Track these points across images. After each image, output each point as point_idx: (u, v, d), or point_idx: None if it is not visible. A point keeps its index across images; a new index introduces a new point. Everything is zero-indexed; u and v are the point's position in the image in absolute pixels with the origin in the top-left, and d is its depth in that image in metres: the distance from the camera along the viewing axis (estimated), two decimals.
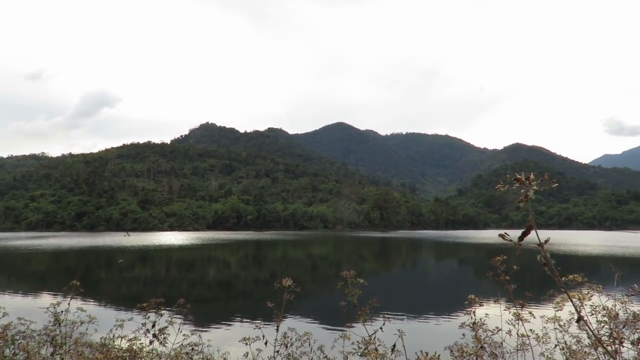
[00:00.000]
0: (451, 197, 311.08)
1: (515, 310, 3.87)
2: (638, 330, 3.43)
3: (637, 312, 3.66)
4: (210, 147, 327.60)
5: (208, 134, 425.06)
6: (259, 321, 4.86)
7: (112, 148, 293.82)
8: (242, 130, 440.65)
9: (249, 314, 23.55)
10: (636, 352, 3.23)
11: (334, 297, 26.31)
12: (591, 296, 2.79)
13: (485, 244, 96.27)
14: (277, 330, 4.07)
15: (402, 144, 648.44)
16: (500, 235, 2.00)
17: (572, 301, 2.14)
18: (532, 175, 1.75)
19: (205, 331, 19.37)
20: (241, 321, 22.24)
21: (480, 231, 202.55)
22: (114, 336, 5.74)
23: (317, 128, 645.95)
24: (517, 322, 3.91)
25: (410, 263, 60.94)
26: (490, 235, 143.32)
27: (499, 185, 1.83)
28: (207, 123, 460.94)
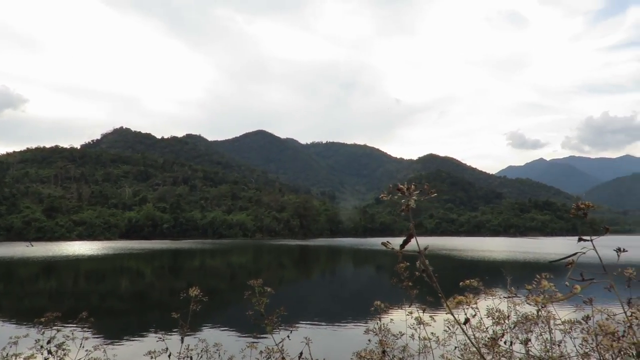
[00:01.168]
0: (369, 206, 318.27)
1: (417, 315, 4.03)
2: (528, 331, 3.70)
3: (529, 314, 3.93)
4: (124, 152, 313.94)
5: (122, 139, 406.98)
6: (165, 333, 4.70)
7: (14, 152, 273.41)
8: (158, 136, 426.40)
9: (163, 326, 22.71)
10: (525, 351, 3.47)
11: (250, 306, 25.97)
12: (477, 299, 2.96)
13: (403, 251, 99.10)
14: (182, 341, 3.96)
15: (322, 153, 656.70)
16: (383, 244, 2.07)
17: (447, 306, 2.26)
18: (412, 186, 1.84)
19: (112, 346, 18.48)
20: (155, 333, 21.41)
21: (397, 238, 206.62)
22: (7, 355, 5.32)
23: (238, 135, 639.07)
24: (419, 326, 4.08)
25: (329, 270, 61.65)
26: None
27: (382, 195, 1.91)
28: (122, 128, 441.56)
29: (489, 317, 3.98)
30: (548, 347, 3.41)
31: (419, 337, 4.17)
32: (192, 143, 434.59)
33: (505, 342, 3.53)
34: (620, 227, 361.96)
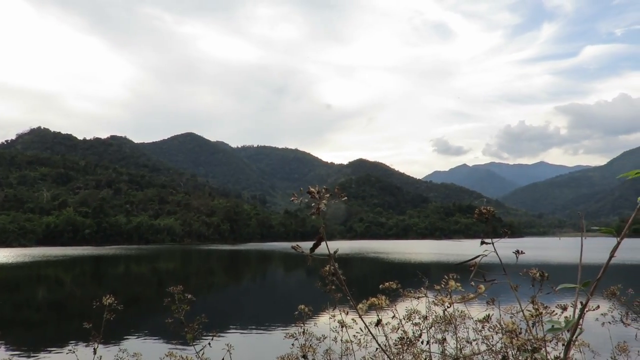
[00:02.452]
0: (300, 210, 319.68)
1: (340, 318, 4.09)
2: (444, 331, 3.86)
3: (448, 315, 4.09)
4: (42, 154, 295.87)
5: (40, 139, 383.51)
6: (83, 344, 4.48)
7: None
8: (80, 137, 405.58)
9: (81, 337, 21.65)
10: (440, 351, 3.62)
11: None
12: (388, 302, 3.06)
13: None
14: (95, 352, 3.79)
15: (253, 157, 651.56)
16: (293, 247, 2.10)
17: (357, 308, 2.32)
18: (322, 189, 1.87)
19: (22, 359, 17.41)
20: (75, 344, 20.34)
21: (328, 242, 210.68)
22: None
23: (166, 137, 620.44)
24: (342, 329, 4.14)
25: (259, 275, 61.20)
26: (336, 246, 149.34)
27: (292, 198, 1.93)
28: (39, 128, 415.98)
29: (408, 318, 4.10)
30: (461, 346, 3.57)
31: (341, 340, 4.23)
32: (116, 145, 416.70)
33: (422, 342, 3.66)
34: (535, 229, 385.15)
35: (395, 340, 3.29)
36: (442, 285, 2.51)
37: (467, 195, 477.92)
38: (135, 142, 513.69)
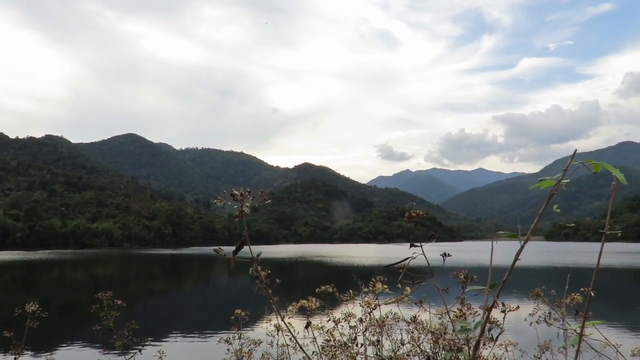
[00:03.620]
0: (245, 214, 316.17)
1: (277, 322, 4.07)
2: (379, 333, 3.91)
3: (381, 318, 4.15)
4: None
5: None
6: (7, 354, 4.24)
7: None
8: (12, 136, 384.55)
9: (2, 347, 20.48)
10: (374, 352, 3.67)
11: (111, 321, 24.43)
12: (317, 304, 3.08)
13: (275, 259, 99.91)
14: None
15: (197, 159, 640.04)
16: (215, 250, 2.08)
17: (276, 309, 2.32)
18: (246, 192, 1.86)
19: None
20: (4, 355, 19.23)
21: (272, 246, 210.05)
22: None
23: (106, 138, 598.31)
24: (278, 333, 4.11)
25: (202, 280, 60.10)
26: (280, 250, 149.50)
27: (216, 201, 1.91)
28: None
29: (345, 321, 4.13)
30: (396, 348, 3.63)
31: (277, 344, 4.20)
32: (52, 145, 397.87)
33: (357, 345, 3.69)
34: (474, 233, 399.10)
35: (324, 343, 3.31)
36: (370, 288, 2.55)
37: (410, 200, 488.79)
38: (73, 142, 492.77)
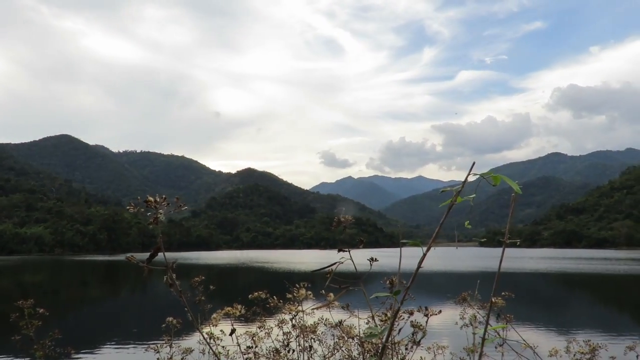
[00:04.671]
0: (185, 219, 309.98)
1: (210, 330, 4.02)
2: (311, 338, 3.95)
3: (314, 323, 4.19)
4: None
5: None
6: None
7: None
8: None
9: None
10: (306, 358, 3.70)
11: (41, 330, 23.30)
12: (242, 310, 3.08)
13: (216, 265, 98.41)
14: None
15: (136, 163, 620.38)
16: (127, 258, 2.04)
17: (192, 317, 2.31)
18: (160, 198, 1.84)
19: None
20: None
21: (213, 252, 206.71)
22: None
23: (37, 139, 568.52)
24: (212, 340, 4.06)
25: (139, 287, 58.21)
26: (222, 256, 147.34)
27: (129, 207, 1.88)
28: None
29: (278, 327, 4.14)
30: (326, 353, 3.68)
31: (209, 352, 4.15)
32: None
33: (290, 351, 3.71)
34: (413, 239, 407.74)
35: (245, 350, 3.30)
36: (294, 294, 2.57)
37: (352, 207, 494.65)
38: (0, 142, 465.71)
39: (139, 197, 1.87)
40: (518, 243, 2.16)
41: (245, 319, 4.17)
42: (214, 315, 2.34)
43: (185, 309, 2.21)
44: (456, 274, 64.73)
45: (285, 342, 3.78)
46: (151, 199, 1.83)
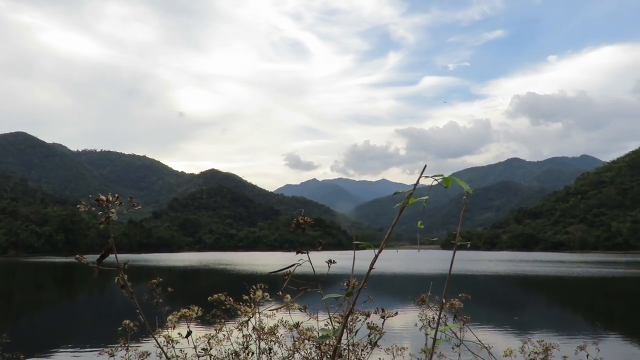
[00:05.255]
0: (146, 220, 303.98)
1: (167, 333, 3.95)
2: (272, 341, 3.94)
3: (274, 325, 4.17)
4: None
5: None
6: None
7: None
8: None
9: None
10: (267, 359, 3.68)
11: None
12: (198, 312, 3.04)
13: (177, 267, 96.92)
14: None
15: (95, 162, 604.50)
16: (77, 258, 1.99)
17: (144, 320, 2.28)
18: (113, 197, 1.80)
19: None
20: None
21: (175, 254, 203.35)
22: None
23: None
24: (169, 344, 3.99)
25: (97, 290, 56.72)
26: (183, 258, 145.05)
27: (80, 206, 1.83)
28: None
29: (239, 329, 4.10)
30: (286, 355, 3.67)
31: (166, 356, 4.07)
32: None
33: (250, 353, 3.68)
34: (377, 242, 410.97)
35: (200, 352, 3.27)
36: (250, 296, 2.56)
37: (316, 209, 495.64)
38: None
39: (90, 196, 1.81)
40: (468, 245, 2.20)
41: (206, 322, 4.12)
42: (170, 317, 2.29)
43: (137, 310, 2.15)
44: (418, 276, 65.62)
45: (244, 344, 3.75)
46: (103, 197, 1.78)
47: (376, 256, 1.77)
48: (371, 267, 1.77)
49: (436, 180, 1.68)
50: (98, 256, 1.99)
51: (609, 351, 20.21)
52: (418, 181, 1.73)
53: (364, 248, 2.04)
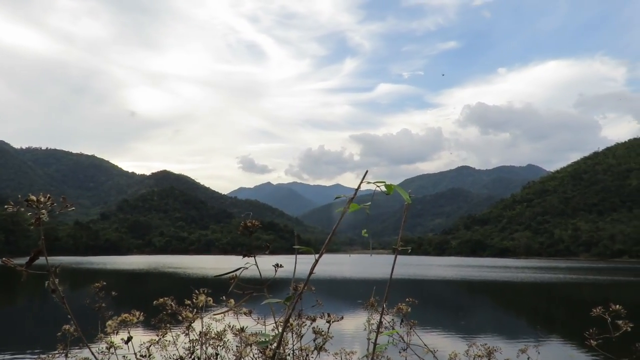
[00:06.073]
0: (93, 221, 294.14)
1: (110, 339, 3.81)
2: (218, 346, 3.87)
3: (221, 330, 4.10)
4: None
5: None
6: None
7: None
8: None
9: None
10: None
11: None
12: (140, 317, 2.97)
13: (125, 270, 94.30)
14: None
15: (40, 160, 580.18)
16: (3, 261, 1.90)
17: (75, 325, 2.21)
18: (44, 197, 1.72)
19: None
20: None
21: (123, 257, 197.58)
22: None
23: None
24: (112, 349, 3.85)
25: (38, 294, 54.35)
26: (132, 261, 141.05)
27: (7, 206, 1.74)
28: None
29: (185, 334, 4.00)
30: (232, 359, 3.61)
31: None
32: None
33: (195, 359, 3.60)
34: (329, 246, 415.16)
35: (139, 358, 3.17)
36: (193, 300, 2.50)
37: (270, 212, 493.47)
38: None
39: (20, 196, 1.74)
40: (409, 251, 2.25)
41: (153, 327, 4.00)
42: (109, 322, 2.20)
43: (69, 316, 2.06)
44: (370, 281, 66.30)
45: (190, 349, 3.66)
46: (33, 197, 1.69)
47: (316, 261, 1.77)
48: (311, 272, 1.76)
49: (378, 186, 1.69)
50: (27, 259, 1.89)
51: (548, 354, 21.02)
52: (359, 187, 1.75)
53: (303, 253, 2.03)
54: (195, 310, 2.56)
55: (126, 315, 2.61)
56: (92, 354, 2.29)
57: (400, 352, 4.10)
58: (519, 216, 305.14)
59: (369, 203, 1.75)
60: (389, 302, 4.59)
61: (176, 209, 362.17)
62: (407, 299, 3.95)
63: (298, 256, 2.23)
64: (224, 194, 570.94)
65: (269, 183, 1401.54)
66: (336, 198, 1.78)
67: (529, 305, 47.62)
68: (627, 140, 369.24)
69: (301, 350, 2.87)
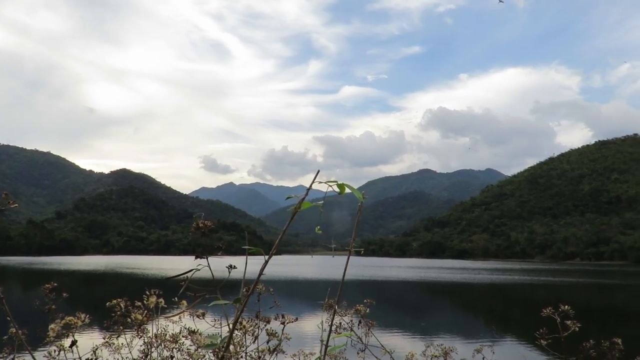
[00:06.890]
0: (48, 220, 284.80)
1: (60, 342, 3.67)
2: (173, 348, 3.79)
3: (177, 333, 4.01)
4: None
5: None
6: None
7: None
8: None
9: None
10: None
11: None
12: (87, 319, 2.87)
13: (80, 271, 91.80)
14: None
15: None
16: None
17: (19, 335, 2.12)
18: None
19: None
20: None
21: (79, 257, 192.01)
22: None
23: None
24: (59, 354, 3.71)
25: None
26: (88, 262, 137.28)
27: None
28: None
29: (139, 337, 3.89)
30: None
31: None
32: None
33: None
34: (292, 247, 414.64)
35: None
36: (144, 302, 2.43)
37: (232, 213, 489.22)
38: None
39: None
40: (362, 252, 2.26)
41: (106, 329, 3.88)
42: (52, 326, 2.10)
43: (8, 318, 1.97)
44: (331, 281, 66.54)
45: (145, 351, 3.56)
46: None
47: (266, 262, 1.75)
48: (261, 273, 1.74)
49: (330, 186, 1.70)
50: None
51: (503, 354, 21.54)
52: (311, 186, 1.74)
53: (253, 254, 2.01)
54: (146, 312, 2.47)
55: (70, 318, 2.50)
56: (34, 358, 2.18)
57: (358, 353, 4.11)
58: (477, 219, 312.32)
59: (322, 202, 1.74)
60: (349, 303, 4.60)
61: (135, 209, 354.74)
62: (365, 300, 3.96)
63: (257, 257, 2.20)
64: (185, 194, 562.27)
65: (231, 183, 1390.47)
66: (287, 198, 1.76)
67: (486, 306, 48.78)
68: (580, 146, 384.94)
69: (258, 352, 2.83)
